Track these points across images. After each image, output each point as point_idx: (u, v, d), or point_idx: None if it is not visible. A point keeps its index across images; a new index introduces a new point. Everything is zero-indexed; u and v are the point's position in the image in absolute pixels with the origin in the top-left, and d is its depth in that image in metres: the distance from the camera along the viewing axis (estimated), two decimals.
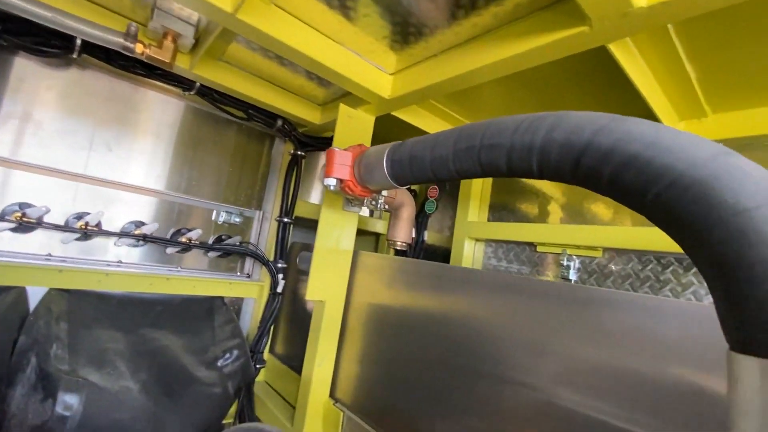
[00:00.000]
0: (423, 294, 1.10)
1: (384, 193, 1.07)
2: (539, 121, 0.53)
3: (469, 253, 1.79)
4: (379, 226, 2.14)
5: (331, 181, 0.90)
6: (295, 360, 1.50)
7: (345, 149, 0.93)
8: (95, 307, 1.31)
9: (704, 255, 0.37)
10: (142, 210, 1.46)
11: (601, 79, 1.03)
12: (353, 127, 1.31)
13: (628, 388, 0.69)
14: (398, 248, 1.38)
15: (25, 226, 1.20)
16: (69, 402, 0.96)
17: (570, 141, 0.48)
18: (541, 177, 0.56)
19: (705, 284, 0.80)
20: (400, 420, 1.08)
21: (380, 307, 1.23)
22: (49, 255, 1.28)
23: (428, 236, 2.12)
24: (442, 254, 2.02)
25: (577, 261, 1.49)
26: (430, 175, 0.74)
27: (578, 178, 0.49)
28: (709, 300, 0.92)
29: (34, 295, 1.24)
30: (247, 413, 1.48)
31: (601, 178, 0.45)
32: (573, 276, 1.44)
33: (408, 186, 0.87)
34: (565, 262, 1.47)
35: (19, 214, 1.18)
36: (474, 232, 1.75)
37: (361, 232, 2.15)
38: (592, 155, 0.45)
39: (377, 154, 0.85)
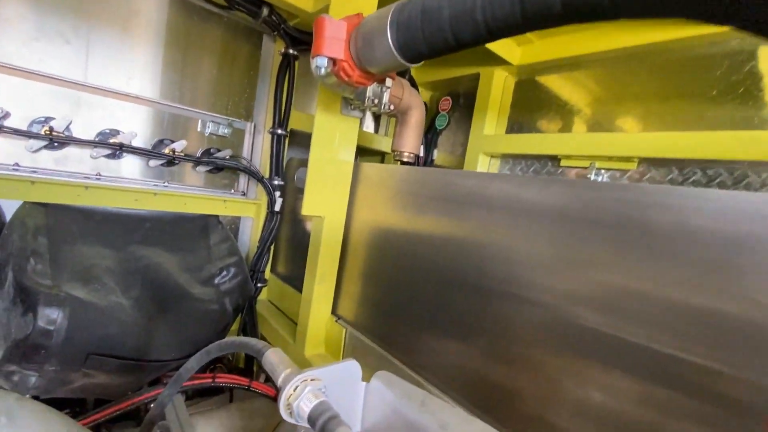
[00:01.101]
0: (432, 206, 0.97)
1: (388, 83, 0.88)
2: None
3: (483, 171, 1.63)
4: (385, 144, 1.96)
5: (321, 62, 0.71)
6: (296, 279, 1.43)
7: (339, 19, 0.72)
8: (77, 222, 1.22)
9: None
10: (117, 118, 1.29)
11: None
12: (353, 1, 1.06)
13: (684, 316, 0.57)
14: (405, 160, 1.22)
15: None
16: (51, 316, 0.90)
17: None
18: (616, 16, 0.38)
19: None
20: (403, 336, 1.02)
21: (384, 223, 1.11)
22: (17, 165, 1.15)
23: (438, 156, 1.94)
24: None
25: (605, 175, 1.33)
26: (449, 36, 0.55)
27: None
28: None
29: (7, 209, 1.15)
30: (249, 330, 1.47)
31: None
32: None
33: (419, 63, 0.68)
34: (592, 176, 1.31)
35: None
36: (490, 147, 1.57)
37: (364, 151, 1.98)
38: None
39: (378, 19, 0.65)
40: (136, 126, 1.33)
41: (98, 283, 1.08)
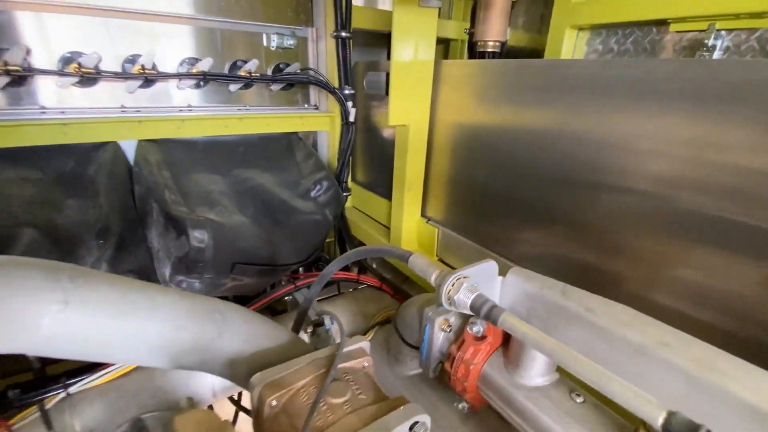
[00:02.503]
0: (523, 100, 0.93)
1: None
2: None
3: (569, 49, 1.45)
4: (450, 30, 1.78)
5: None
6: (379, 186, 1.51)
7: None
8: (185, 153, 1.34)
9: None
10: (182, 44, 1.29)
11: None
12: None
13: None
14: (489, 50, 1.13)
15: (86, 78, 1.13)
16: (200, 237, 1.08)
17: None
18: None
19: None
20: (500, 231, 1.09)
21: (474, 123, 1.09)
22: (123, 107, 1.24)
23: (511, 36, 1.74)
24: (528, 57, 1.69)
25: (726, 38, 1.14)
26: None
27: None
28: None
29: (127, 149, 1.28)
30: (345, 235, 1.63)
31: None
32: None
33: None
34: (710, 42, 1.13)
35: (75, 65, 1.09)
36: (579, 17, 1.37)
37: None
38: None
39: None
40: (209, 51, 1.33)
41: (220, 206, 1.24)
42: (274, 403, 0.57)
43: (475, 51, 1.24)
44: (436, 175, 1.27)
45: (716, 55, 1.14)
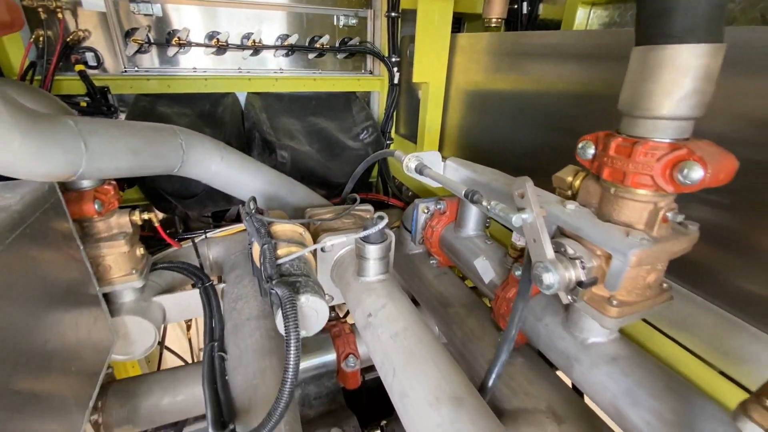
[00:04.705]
0: (504, 65, 1.30)
1: None
2: None
3: (582, 21, 1.71)
4: (464, 6, 2.09)
5: None
6: (412, 136, 1.94)
7: None
8: (276, 103, 1.92)
9: None
10: (278, 25, 1.83)
11: None
12: None
13: None
14: (493, 26, 1.48)
15: (220, 48, 1.74)
16: (283, 154, 1.64)
17: None
18: None
19: None
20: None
21: (474, 81, 1.48)
22: (240, 69, 1.85)
23: (543, 9, 2.00)
24: (556, 29, 1.95)
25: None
26: None
27: None
28: None
29: (241, 97, 1.89)
30: (386, 174, 2.11)
31: None
32: None
33: None
34: None
35: (216, 40, 1.70)
36: None
37: None
38: None
39: None
40: (296, 29, 1.86)
41: (297, 139, 1.80)
42: (317, 222, 1.09)
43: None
44: (450, 124, 1.68)
45: None
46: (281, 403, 0.62)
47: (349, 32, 1.96)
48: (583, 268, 0.60)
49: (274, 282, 0.70)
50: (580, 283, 0.61)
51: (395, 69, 1.95)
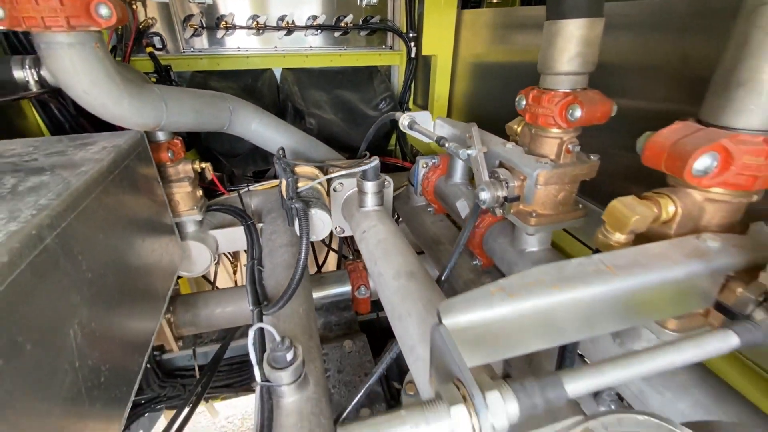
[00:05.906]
0: (499, 37, 1.47)
1: None
2: None
3: None
4: None
5: None
6: (425, 106, 2.16)
7: None
8: (306, 77, 2.20)
9: None
10: (309, 8, 2.08)
11: None
12: None
13: None
14: (494, 3, 1.64)
15: (259, 29, 2.03)
16: (311, 120, 1.93)
17: None
18: None
19: None
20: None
21: (477, 53, 1.66)
22: (276, 47, 2.13)
23: None
24: None
25: None
26: None
27: None
28: None
29: (276, 73, 2.18)
30: (402, 142, 2.35)
31: None
32: None
33: None
34: None
35: (256, 22, 1.99)
36: None
37: None
38: None
39: None
40: (324, 10, 2.10)
41: (323, 109, 2.07)
42: (330, 167, 1.36)
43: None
44: (458, 93, 1.87)
45: None
46: (295, 278, 0.91)
47: (371, 11, 2.17)
48: (508, 187, 0.83)
49: (293, 200, 0.98)
50: (506, 198, 0.84)
51: (412, 44, 2.15)
